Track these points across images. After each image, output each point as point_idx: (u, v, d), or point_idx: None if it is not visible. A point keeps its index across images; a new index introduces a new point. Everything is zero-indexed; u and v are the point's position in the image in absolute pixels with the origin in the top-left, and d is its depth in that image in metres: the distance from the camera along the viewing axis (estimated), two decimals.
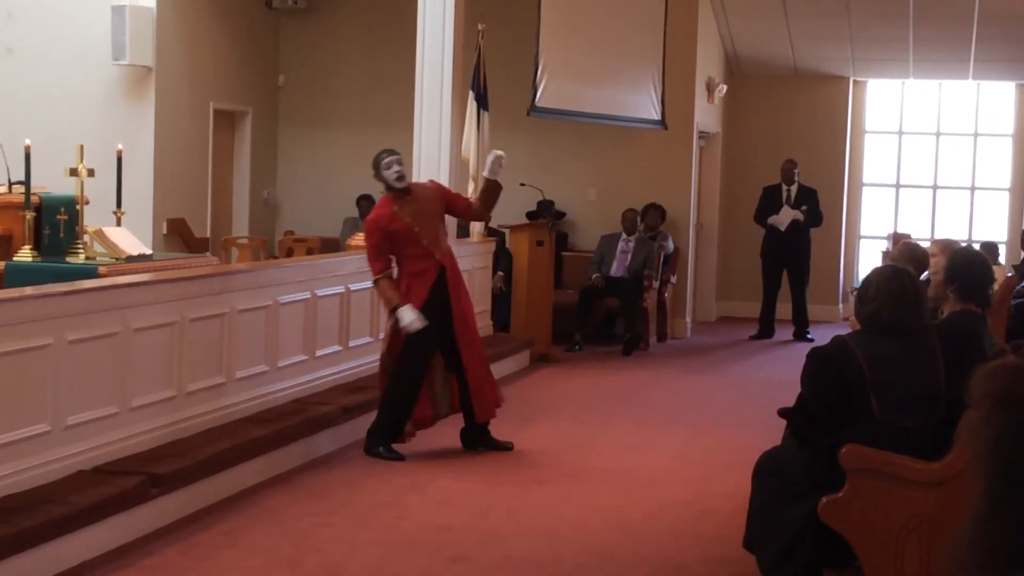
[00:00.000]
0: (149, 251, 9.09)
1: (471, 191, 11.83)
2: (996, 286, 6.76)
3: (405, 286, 8.07)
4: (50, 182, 9.08)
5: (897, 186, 16.58)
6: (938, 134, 16.39)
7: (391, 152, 8.15)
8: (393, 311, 7.98)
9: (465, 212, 8.65)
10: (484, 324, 11.97)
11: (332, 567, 5.92)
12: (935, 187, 16.43)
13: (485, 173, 8.50)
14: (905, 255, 6.77)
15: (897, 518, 4.97)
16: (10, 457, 5.88)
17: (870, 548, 5.02)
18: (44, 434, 6.11)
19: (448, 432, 8.70)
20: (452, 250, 8.37)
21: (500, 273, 12.68)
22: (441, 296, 8.10)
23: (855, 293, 5.57)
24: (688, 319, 14.70)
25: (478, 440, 8.41)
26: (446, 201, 8.37)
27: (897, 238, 15.45)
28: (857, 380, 5.22)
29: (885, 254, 14.87)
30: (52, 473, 6.11)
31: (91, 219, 8.91)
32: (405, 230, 8.00)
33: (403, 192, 8.08)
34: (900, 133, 16.53)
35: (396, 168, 8.06)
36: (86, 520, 5.81)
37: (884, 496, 4.98)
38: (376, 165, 8.12)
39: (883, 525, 4.99)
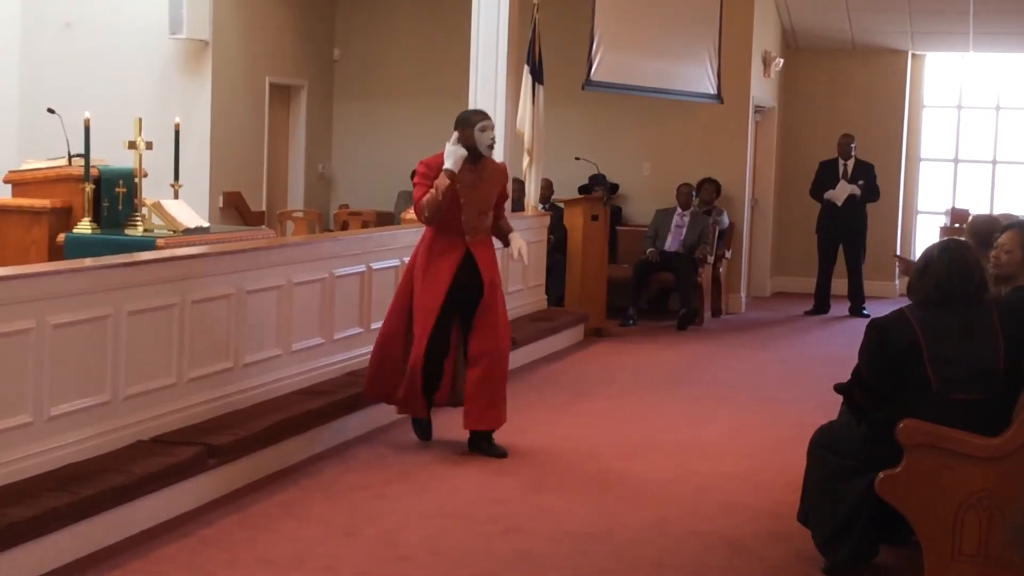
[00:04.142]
0: (206, 224, 9.15)
1: (525, 164, 11.86)
2: None
3: (424, 259, 7.43)
4: (109, 155, 9.15)
5: (956, 161, 16.39)
6: (998, 108, 16.18)
7: (486, 115, 7.47)
8: (449, 181, 7.16)
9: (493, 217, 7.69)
10: (538, 298, 11.99)
11: (388, 538, 5.96)
12: (994, 162, 16.23)
13: (509, 246, 7.71)
14: (971, 231, 6.72)
15: (955, 494, 4.95)
16: (70, 427, 5.95)
17: (928, 524, 5.00)
18: (104, 404, 6.17)
19: None
20: (493, 251, 7.62)
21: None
22: (472, 283, 7.42)
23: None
24: (743, 294, 14.64)
25: (474, 444, 7.61)
26: (500, 196, 7.65)
27: (955, 213, 15.32)
28: (914, 352, 5.19)
29: (943, 229, 14.76)
30: (111, 443, 6.18)
31: (149, 192, 8.98)
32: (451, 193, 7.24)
33: (476, 159, 7.32)
34: (959, 107, 16.34)
35: (491, 135, 7.35)
36: (145, 489, 5.87)
37: (942, 472, 4.96)
38: (468, 123, 7.30)
39: (941, 501, 4.96)
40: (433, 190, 7.20)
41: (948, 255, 5.33)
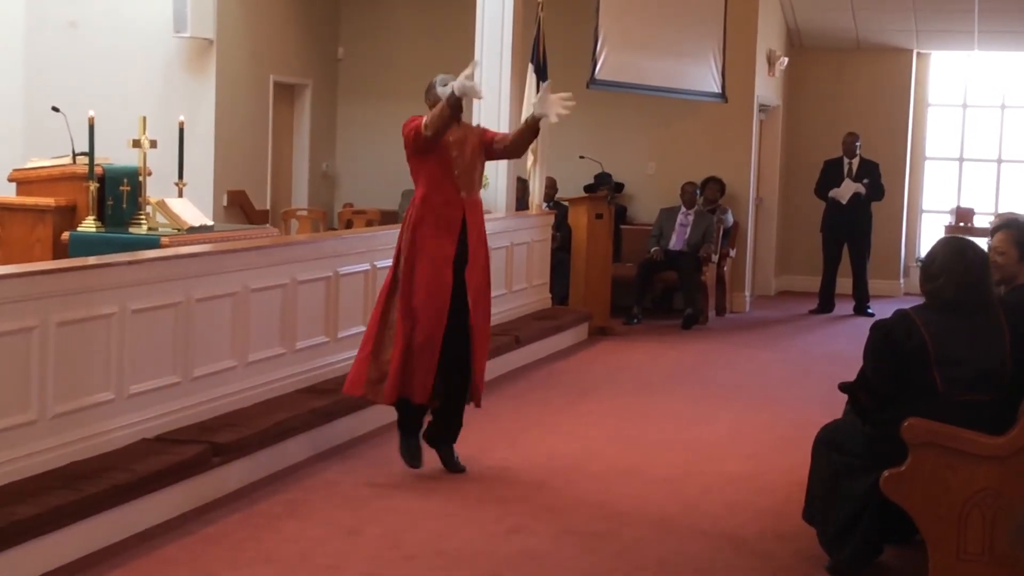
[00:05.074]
0: (210, 222, 9.15)
1: (529, 163, 11.86)
2: None
3: (409, 234, 7.03)
4: (113, 153, 9.14)
5: (961, 160, 16.38)
6: (1003, 107, 16.16)
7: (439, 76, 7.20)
8: (452, 99, 6.82)
9: (498, 146, 7.25)
10: (542, 297, 11.98)
11: (392, 537, 5.95)
12: (999, 161, 16.22)
13: (536, 108, 7.10)
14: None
15: (960, 493, 4.94)
16: (75, 425, 5.95)
17: (932, 523, 4.99)
18: (108, 402, 6.18)
19: (503, 405, 8.71)
20: (482, 204, 7.29)
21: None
22: (460, 254, 7.03)
23: (919, 264, 5.53)
24: (747, 293, 14.63)
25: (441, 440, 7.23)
26: (485, 143, 7.22)
27: (960, 212, 15.31)
28: (920, 354, 5.18)
29: (948, 228, 14.75)
30: (115, 441, 6.18)
31: (153, 190, 8.97)
32: (442, 147, 6.97)
33: (455, 114, 6.96)
34: (964, 106, 16.32)
35: (444, 79, 7.08)
36: (148, 488, 5.87)
37: (947, 470, 4.95)
38: (430, 86, 7.15)
39: (946, 500, 4.96)
40: (436, 108, 6.88)
41: (964, 260, 5.29)
